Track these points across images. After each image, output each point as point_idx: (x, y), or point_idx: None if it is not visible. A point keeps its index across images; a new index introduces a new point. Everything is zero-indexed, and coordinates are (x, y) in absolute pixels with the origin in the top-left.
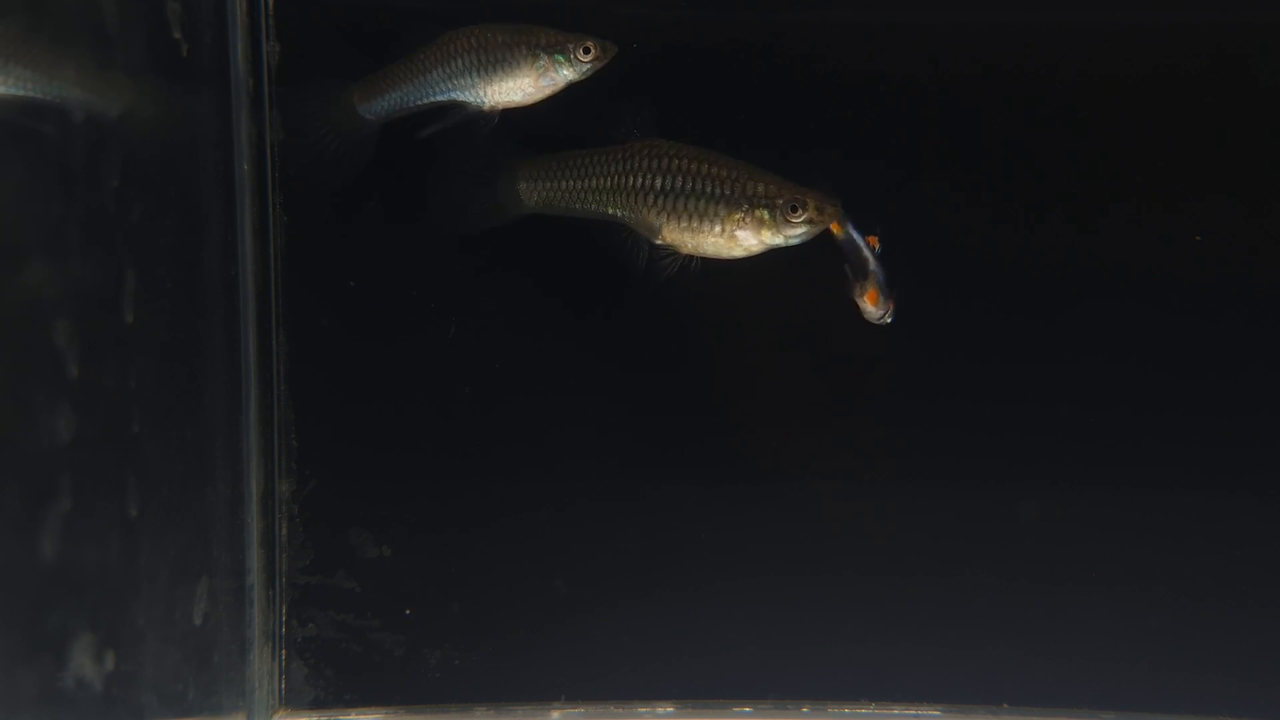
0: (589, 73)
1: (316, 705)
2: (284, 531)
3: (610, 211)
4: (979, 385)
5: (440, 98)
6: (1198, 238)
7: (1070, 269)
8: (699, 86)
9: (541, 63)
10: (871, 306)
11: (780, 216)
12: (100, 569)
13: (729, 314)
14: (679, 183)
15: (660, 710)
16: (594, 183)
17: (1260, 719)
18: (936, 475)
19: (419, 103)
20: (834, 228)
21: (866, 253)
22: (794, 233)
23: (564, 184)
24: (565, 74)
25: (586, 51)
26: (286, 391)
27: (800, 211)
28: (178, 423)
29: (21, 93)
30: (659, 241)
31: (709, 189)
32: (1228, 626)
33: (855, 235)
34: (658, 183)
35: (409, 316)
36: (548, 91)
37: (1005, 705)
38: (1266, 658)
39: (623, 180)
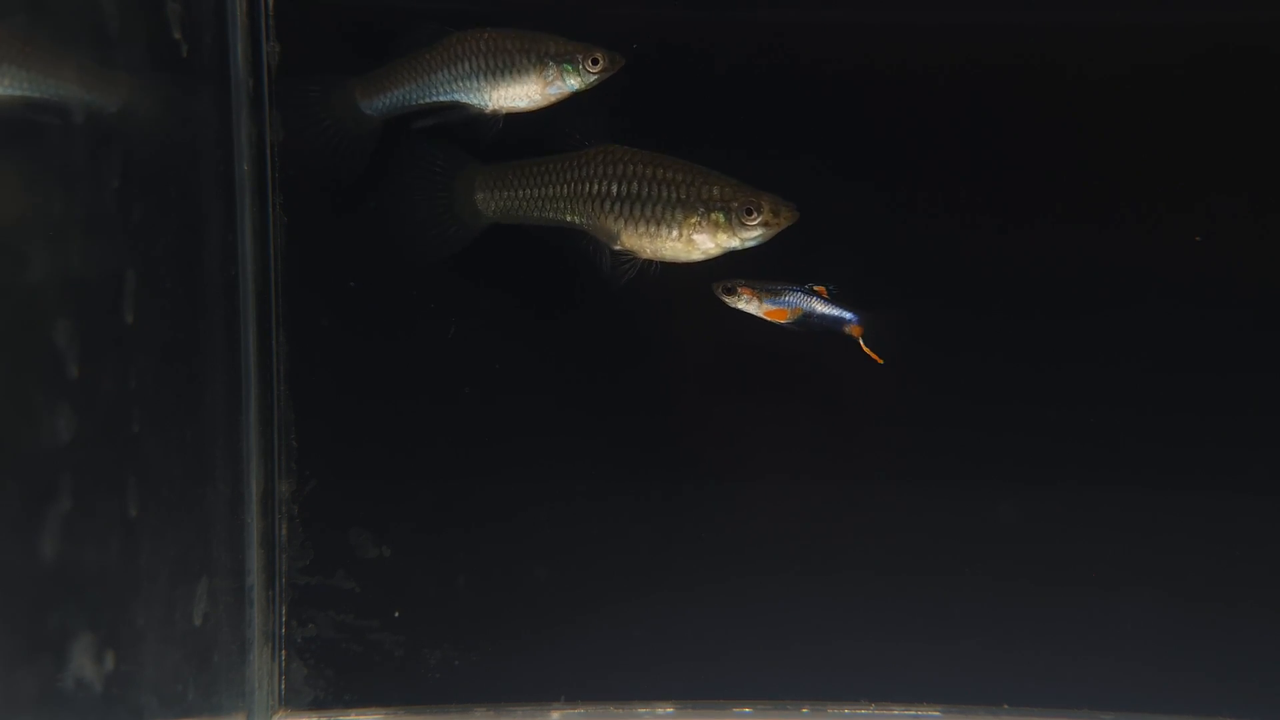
0: (595, 83)
1: (316, 706)
2: (284, 532)
3: (568, 219)
4: (980, 385)
5: (444, 98)
6: (1198, 238)
7: (1071, 269)
8: (680, 88)
9: (550, 71)
10: (780, 321)
11: (736, 219)
12: (100, 569)
13: (727, 315)
14: (635, 189)
15: (660, 710)
16: (551, 190)
17: (1260, 719)
18: (937, 475)
19: (422, 102)
20: (787, 313)
21: (837, 310)
22: (750, 235)
23: (521, 192)
24: (571, 83)
25: (595, 62)
26: (286, 391)
27: (755, 214)
28: (178, 423)
29: (18, 93)
30: (618, 247)
31: (665, 194)
32: (1228, 626)
33: (827, 310)
34: (614, 189)
35: (409, 316)
36: (553, 99)
37: (1005, 705)
38: (1266, 658)
39: (580, 188)
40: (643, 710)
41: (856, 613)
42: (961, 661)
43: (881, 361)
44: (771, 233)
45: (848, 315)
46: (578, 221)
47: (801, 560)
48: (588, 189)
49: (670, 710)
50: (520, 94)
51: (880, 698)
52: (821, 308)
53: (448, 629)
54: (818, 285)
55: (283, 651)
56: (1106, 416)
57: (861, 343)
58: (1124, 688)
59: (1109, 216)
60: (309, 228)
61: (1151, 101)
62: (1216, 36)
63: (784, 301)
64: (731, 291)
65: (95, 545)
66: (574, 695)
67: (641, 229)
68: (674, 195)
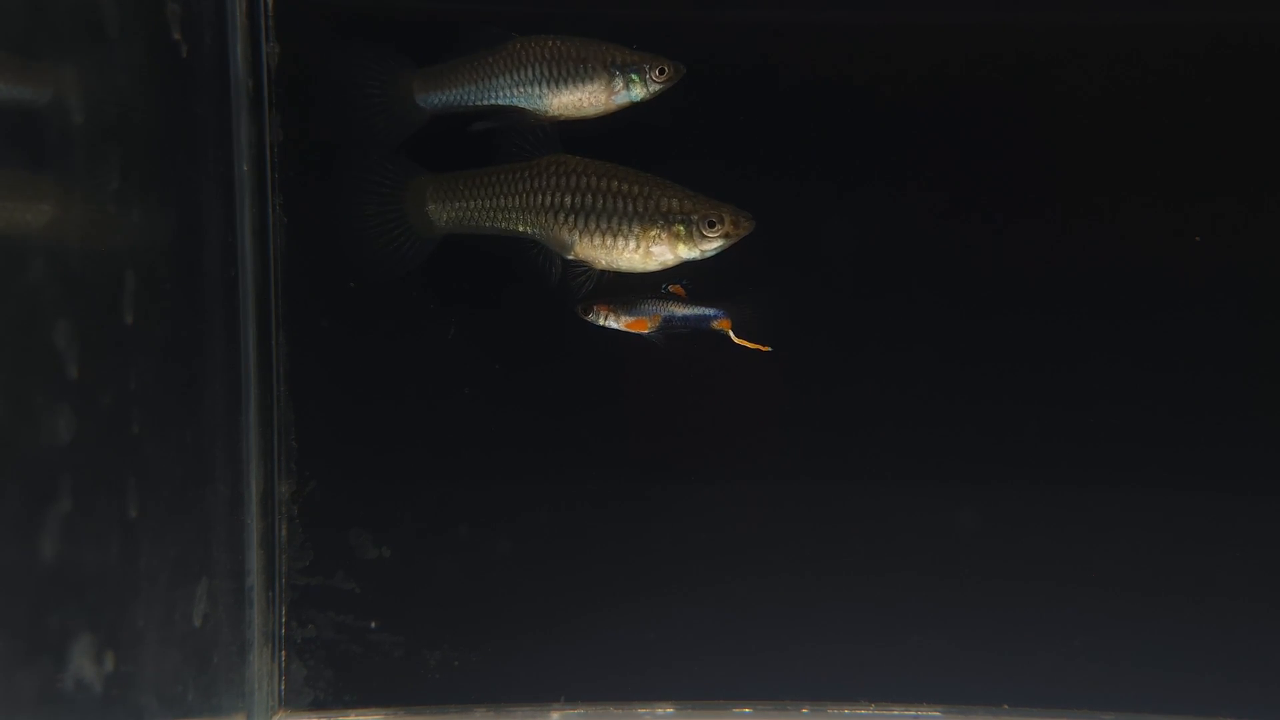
0: (657, 94)
1: (316, 706)
2: (284, 532)
3: (521, 229)
4: (981, 385)
5: (502, 102)
6: (1197, 238)
7: (1072, 270)
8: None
9: (616, 81)
10: (644, 331)
11: (696, 231)
12: (100, 570)
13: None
14: (590, 201)
15: (660, 710)
16: (503, 201)
17: (1260, 719)
18: (937, 475)
19: (479, 103)
20: (644, 324)
21: (699, 308)
22: (709, 247)
23: (473, 203)
24: (635, 93)
25: (661, 73)
26: (286, 392)
27: (717, 226)
28: (177, 423)
29: None
30: (571, 257)
31: (621, 206)
32: (1228, 626)
33: (687, 311)
34: (568, 201)
35: (409, 316)
36: (613, 108)
37: (1005, 705)
38: (1266, 658)
39: (532, 199)
40: (643, 710)
41: (856, 613)
42: (961, 661)
43: (765, 349)
44: (730, 243)
45: (710, 311)
46: (530, 232)
47: (801, 561)
48: (540, 200)
49: (670, 710)
50: (581, 101)
51: (880, 698)
52: (681, 309)
53: (448, 629)
54: (673, 285)
55: (282, 652)
56: (1106, 417)
57: (733, 335)
58: (1124, 688)
59: (1108, 216)
60: (309, 228)
61: (1151, 101)
62: (1216, 36)
63: (642, 311)
64: (589, 311)
65: (95, 546)
66: (574, 695)
67: (597, 241)
68: (630, 208)
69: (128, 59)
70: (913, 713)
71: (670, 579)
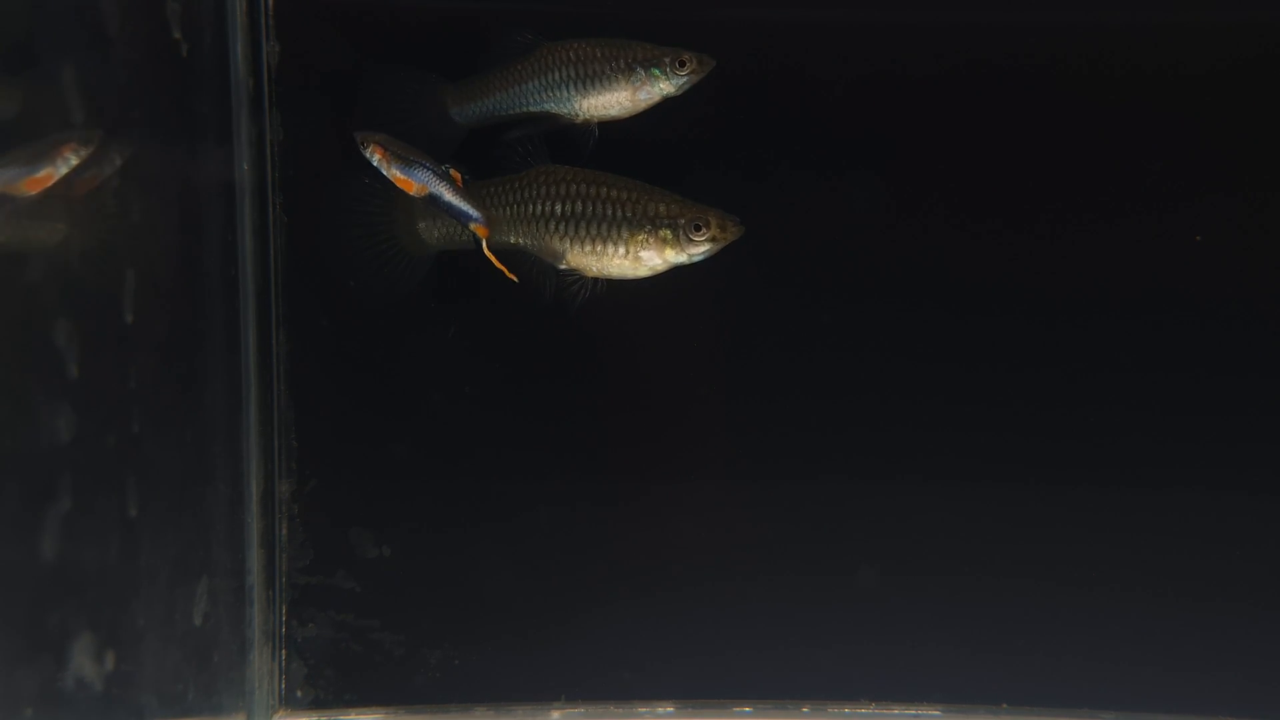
0: (685, 86)
1: (316, 705)
2: (284, 531)
3: (512, 240)
4: (983, 385)
5: (534, 109)
6: (1198, 238)
7: (1072, 271)
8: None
9: (638, 77)
10: (409, 192)
11: (683, 235)
12: (100, 569)
13: (732, 317)
14: (579, 208)
15: (660, 710)
16: (494, 213)
17: (1260, 719)
18: (937, 475)
19: (511, 112)
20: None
21: (464, 204)
22: (697, 250)
23: None
24: (661, 88)
25: (682, 65)
26: (286, 391)
27: (703, 230)
28: (177, 423)
29: None
30: (563, 266)
31: (610, 212)
32: (1228, 626)
33: (453, 200)
34: (558, 209)
35: (409, 316)
36: (644, 105)
37: (1005, 705)
38: (1266, 658)
39: (522, 209)
40: (643, 710)
41: (856, 613)
42: (961, 661)
43: (514, 279)
44: (718, 247)
45: (473, 214)
46: (522, 243)
47: (802, 560)
48: (530, 210)
49: (670, 710)
50: (610, 102)
51: (880, 697)
52: (449, 195)
53: (448, 629)
54: (454, 169)
55: (283, 651)
56: (1109, 417)
57: (485, 246)
58: (1124, 688)
59: (1108, 216)
60: (309, 228)
61: (1151, 100)
62: (1218, 36)
63: (413, 174)
64: (365, 144)
65: (95, 545)
66: (574, 695)
67: (587, 248)
68: (619, 213)
69: (128, 58)
70: (913, 712)
71: (670, 579)
